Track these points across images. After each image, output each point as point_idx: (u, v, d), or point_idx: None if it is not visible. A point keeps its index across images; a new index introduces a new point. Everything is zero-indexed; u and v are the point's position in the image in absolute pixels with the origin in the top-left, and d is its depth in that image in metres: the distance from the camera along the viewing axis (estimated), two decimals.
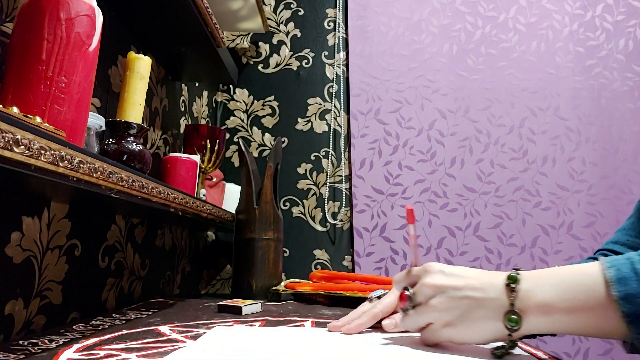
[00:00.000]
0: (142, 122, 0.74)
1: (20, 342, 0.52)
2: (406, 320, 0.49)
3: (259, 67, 1.65)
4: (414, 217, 0.53)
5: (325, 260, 1.51)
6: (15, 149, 0.39)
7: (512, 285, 0.43)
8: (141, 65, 0.74)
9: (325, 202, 1.54)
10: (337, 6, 1.65)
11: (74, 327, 0.62)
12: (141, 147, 0.73)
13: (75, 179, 0.48)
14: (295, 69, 1.63)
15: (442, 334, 0.46)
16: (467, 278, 0.46)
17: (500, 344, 0.45)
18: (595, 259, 0.75)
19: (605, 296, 0.40)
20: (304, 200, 1.56)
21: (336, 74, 1.61)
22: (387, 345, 0.52)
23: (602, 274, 0.40)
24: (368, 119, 1.55)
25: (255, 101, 1.63)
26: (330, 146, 1.57)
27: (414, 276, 0.50)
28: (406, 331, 0.60)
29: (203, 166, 1.13)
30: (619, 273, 0.39)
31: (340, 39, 1.64)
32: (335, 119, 1.59)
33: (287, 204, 1.55)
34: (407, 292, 0.49)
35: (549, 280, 0.43)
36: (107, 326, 0.63)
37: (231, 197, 1.33)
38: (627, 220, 0.74)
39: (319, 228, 1.54)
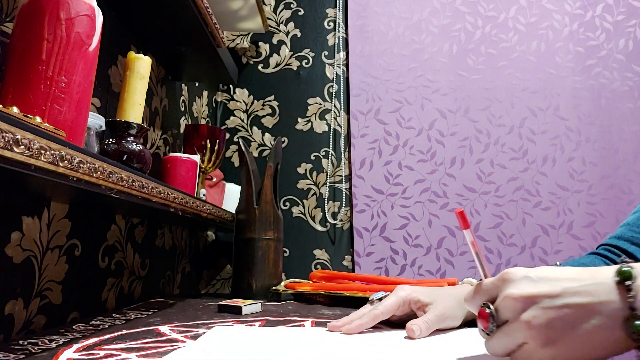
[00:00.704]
0: (142, 122, 0.74)
1: (20, 342, 0.52)
2: (492, 343, 0.39)
3: (259, 67, 1.65)
4: (467, 221, 0.43)
5: (325, 260, 1.51)
6: (15, 149, 0.39)
7: (628, 283, 0.34)
8: (141, 65, 0.74)
9: (325, 202, 1.54)
10: (337, 6, 1.65)
11: (74, 327, 0.62)
12: (141, 147, 0.73)
13: (75, 179, 0.48)
14: (295, 69, 1.63)
15: (543, 355, 0.36)
16: (563, 281, 0.37)
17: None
18: (598, 254, 0.75)
19: None
20: (304, 200, 1.56)
21: (336, 74, 1.61)
22: (387, 346, 0.52)
23: None
24: (368, 119, 1.55)
25: (255, 101, 1.63)
26: (330, 146, 1.57)
27: (490, 289, 0.41)
28: (401, 328, 0.60)
29: (203, 166, 1.13)
30: None
31: (340, 39, 1.64)
32: (335, 118, 1.59)
33: (287, 204, 1.55)
34: (487, 310, 0.39)
35: None
36: (107, 326, 0.63)
37: (231, 197, 1.33)
38: (632, 215, 0.73)
39: (319, 228, 1.54)
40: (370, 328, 0.60)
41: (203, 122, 1.50)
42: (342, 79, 1.61)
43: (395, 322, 0.63)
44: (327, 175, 1.56)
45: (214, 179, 1.26)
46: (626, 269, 0.35)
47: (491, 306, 0.39)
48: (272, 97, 1.62)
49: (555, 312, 0.36)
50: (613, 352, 0.35)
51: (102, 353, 0.45)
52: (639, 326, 0.33)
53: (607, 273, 0.36)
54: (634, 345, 0.34)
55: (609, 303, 0.35)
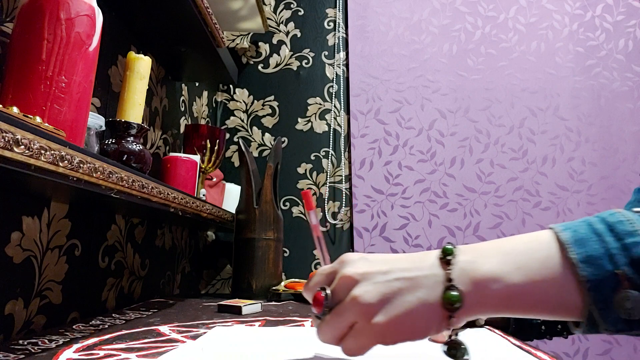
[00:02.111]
0: (142, 122, 0.74)
1: (20, 341, 0.52)
2: (323, 327, 0.38)
3: (259, 67, 1.65)
4: (312, 203, 0.44)
5: None
6: (15, 149, 0.39)
7: (449, 257, 0.36)
8: (141, 65, 0.74)
9: (325, 202, 1.54)
10: (337, 6, 1.65)
11: (74, 327, 0.62)
12: (141, 147, 0.73)
13: (75, 178, 0.48)
14: (295, 69, 1.63)
15: (370, 331, 0.35)
16: (395, 261, 0.38)
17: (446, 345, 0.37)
18: None
19: (562, 261, 0.33)
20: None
21: (336, 74, 1.62)
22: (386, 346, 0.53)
23: (555, 238, 0.34)
24: (368, 119, 1.55)
25: (255, 101, 1.63)
26: (330, 146, 1.57)
27: (329, 273, 0.40)
28: None
29: (203, 166, 1.13)
30: (576, 234, 0.34)
31: (340, 39, 1.64)
32: (335, 119, 1.59)
33: (287, 204, 1.55)
34: (323, 293, 0.38)
35: (495, 250, 0.36)
36: (107, 326, 0.63)
37: (231, 197, 1.33)
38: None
39: (319, 228, 1.54)
40: None
41: (203, 122, 1.50)
42: (342, 79, 1.61)
43: None
44: (327, 175, 1.56)
45: (214, 179, 1.26)
46: (449, 247, 0.36)
47: (327, 289, 0.38)
48: (272, 97, 1.62)
49: (384, 286, 0.36)
50: (433, 327, 0.35)
51: (102, 353, 0.45)
52: (452, 296, 0.34)
53: (434, 252, 0.37)
54: (447, 316, 0.34)
55: (432, 276, 0.35)
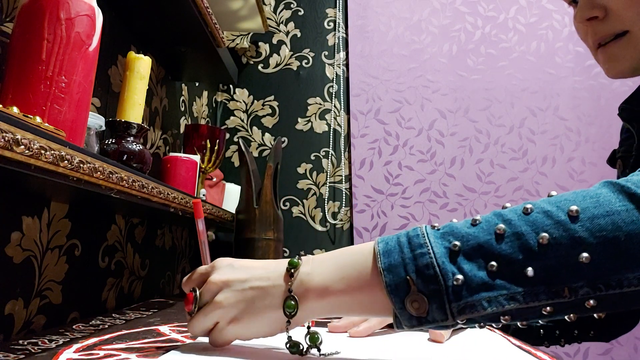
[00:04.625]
0: (142, 122, 0.74)
1: (20, 341, 0.52)
2: (192, 323, 0.45)
3: (259, 67, 1.65)
4: (201, 212, 0.51)
5: None
6: (15, 149, 0.39)
7: (292, 270, 0.42)
8: (141, 65, 0.74)
9: (325, 202, 1.54)
10: (337, 6, 1.65)
11: (74, 327, 0.62)
12: (141, 147, 0.73)
13: (75, 179, 0.48)
14: (295, 69, 1.63)
15: (228, 331, 0.43)
16: (254, 269, 0.44)
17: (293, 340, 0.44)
18: None
19: (373, 270, 0.39)
20: (304, 200, 1.56)
21: (336, 73, 1.62)
22: (387, 346, 0.53)
23: (372, 250, 0.40)
24: (368, 119, 1.55)
25: (255, 101, 1.63)
26: (330, 146, 1.57)
27: (202, 274, 0.46)
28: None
29: (203, 166, 1.13)
30: (386, 246, 0.39)
31: (340, 39, 1.64)
32: (335, 119, 1.59)
33: (287, 204, 1.55)
34: (194, 294, 0.45)
35: (329, 262, 0.42)
36: (107, 326, 0.63)
37: (231, 197, 1.33)
38: None
39: (319, 228, 1.54)
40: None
41: (203, 122, 1.50)
42: (342, 79, 1.61)
43: None
44: (327, 175, 1.56)
45: (214, 179, 1.26)
46: (296, 260, 0.43)
47: (197, 290, 0.45)
48: (272, 97, 1.62)
49: (241, 294, 0.43)
50: (277, 329, 0.43)
51: (102, 353, 0.45)
52: (290, 305, 0.41)
53: (285, 262, 0.44)
54: (286, 320, 0.42)
55: (278, 286, 0.42)
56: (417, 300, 0.37)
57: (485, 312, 0.36)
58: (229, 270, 0.45)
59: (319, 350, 0.44)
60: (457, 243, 0.37)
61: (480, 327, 0.39)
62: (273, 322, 0.43)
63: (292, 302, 0.41)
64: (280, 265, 0.44)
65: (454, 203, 1.48)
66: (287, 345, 0.44)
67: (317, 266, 0.42)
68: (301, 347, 0.44)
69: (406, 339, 0.56)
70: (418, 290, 0.37)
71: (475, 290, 0.36)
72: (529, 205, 0.38)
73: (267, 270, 0.44)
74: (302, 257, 0.44)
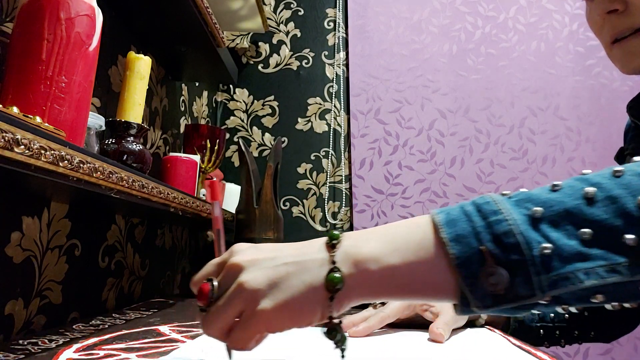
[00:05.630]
0: (142, 122, 0.74)
1: (20, 341, 0.52)
2: (208, 319, 0.36)
3: (259, 67, 1.65)
4: (219, 194, 0.43)
5: None
6: (15, 149, 0.39)
7: (334, 242, 0.36)
8: (141, 65, 0.74)
9: (325, 202, 1.54)
10: (337, 6, 1.65)
11: (74, 327, 0.62)
12: (141, 147, 0.73)
13: (75, 179, 0.48)
14: (295, 68, 1.63)
15: (258, 319, 0.34)
16: (283, 247, 0.38)
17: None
18: None
19: (435, 242, 0.34)
20: (304, 200, 1.55)
21: (336, 73, 1.62)
22: (387, 346, 0.53)
23: (431, 220, 0.35)
24: (368, 119, 1.55)
25: (255, 101, 1.63)
26: (330, 146, 1.57)
27: (218, 264, 0.39)
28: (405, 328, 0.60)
29: (203, 166, 1.13)
30: (449, 216, 0.35)
31: (340, 39, 1.64)
32: (335, 118, 1.59)
33: (287, 204, 1.55)
34: (210, 283, 0.36)
35: (377, 234, 0.36)
36: (107, 326, 0.63)
37: (231, 197, 1.33)
38: None
39: (319, 228, 1.54)
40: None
41: (203, 122, 1.50)
42: (342, 79, 1.61)
43: (397, 324, 0.63)
44: (327, 175, 1.56)
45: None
46: (335, 232, 0.37)
47: (214, 280, 0.37)
48: (272, 97, 1.62)
49: (271, 271, 0.35)
50: (318, 311, 0.35)
51: (102, 353, 0.45)
52: (334, 277, 0.34)
53: (322, 239, 0.37)
54: (329, 297, 0.34)
55: (317, 259, 0.35)
56: (494, 273, 0.32)
57: (582, 285, 0.31)
58: (252, 250, 0.38)
59: (342, 353, 0.36)
60: (539, 209, 0.33)
61: (563, 309, 0.34)
62: (314, 303, 0.35)
63: (337, 275, 0.34)
64: (315, 241, 0.38)
65: (454, 203, 1.47)
66: (325, 330, 0.36)
67: (362, 239, 0.36)
68: (340, 336, 0.36)
69: (406, 339, 0.56)
70: (496, 262, 0.32)
71: (568, 260, 0.31)
72: (618, 168, 0.33)
73: (300, 248, 0.37)
74: (342, 232, 0.38)
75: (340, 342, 0.36)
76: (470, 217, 0.34)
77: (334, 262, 0.35)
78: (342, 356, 0.36)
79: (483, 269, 0.32)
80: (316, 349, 0.50)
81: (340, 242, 0.36)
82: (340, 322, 0.36)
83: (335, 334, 0.35)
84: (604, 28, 0.58)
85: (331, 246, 0.36)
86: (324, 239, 0.37)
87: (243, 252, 0.37)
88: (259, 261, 0.36)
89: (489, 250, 0.32)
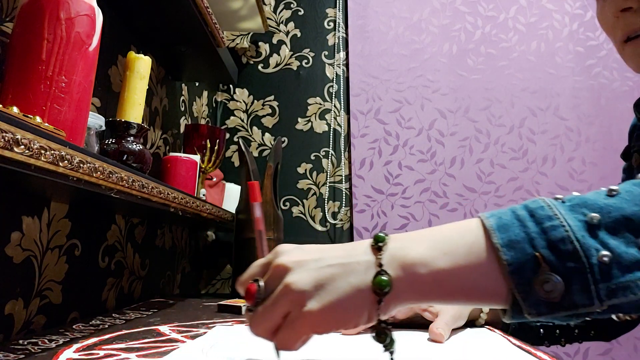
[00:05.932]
0: (142, 122, 0.74)
1: (20, 341, 0.52)
2: (255, 319, 0.37)
3: (259, 67, 1.65)
4: (259, 195, 0.43)
5: None
6: (15, 149, 0.39)
7: (380, 244, 0.36)
8: (141, 65, 0.74)
9: (325, 202, 1.54)
10: (337, 6, 1.65)
11: (74, 326, 0.62)
12: (141, 147, 0.73)
13: (75, 178, 0.48)
14: (295, 68, 1.63)
15: (304, 320, 0.35)
16: (330, 249, 0.38)
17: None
18: None
19: (487, 247, 0.34)
20: (304, 200, 1.55)
21: (336, 73, 1.61)
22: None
23: (481, 225, 0.35)
24: (368, 119, 1.55)
25: (255, 101, 1.63)
26: (330, 146, 1.57)
27: (263, 265, 0.39)
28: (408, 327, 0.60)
29: (203, 166, 1.13)
30: (500, 221, 0.34)
31: (340, 39, 1.64)
32: (335, 118, 1.59)
33: (287, 204, 1.55)
34: (256, 284, 0.37)
35: (425, 237, 0.36)
36: (107, 326, 0.63)
37: (231, 197, 1.33)
38: None
39: (319, 228, 1.54)
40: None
41: (203, 122, 1.50)
42: (342, 79, 1.61)
43: (397, 324, 0.63)
44: (327, 175, 1.56)
45: (214, 179, 1.26)
46: (381, 234, 0.36)
47: (261, 280, 0.37)
48: (272, 97, 1.62)
49: (317, 272, 0.35)
50: (364, 313, 0.35)
51: (102, 353, 0.45)
52: (382, 280, 0.34)
53: (367, 240, 0.37)
54: (377, 299, 0.34)
55: (363, 262, 0.35)
56: (548, 280, 0.31)
57: None
58: (297, 251, 0.38)
59: (392, 356, 0.36)
60: (596, 215, 0.32)
61: (619, 318, 0.34)
62: (360, 305, 0.34)
63: (385, 278, 0.34)
64: (360, 244, 0.37)
65: (454, 203, 1.48)
66: (374, 334, 0.36)
67: (409, 242, 0.36)
68: (390, 339, 0.36)
69: (406, 339, 0.56)
70: (551, 269, 0.31)
71: (628, 269, 0.31)
72: None
73: (345, 249, 0.37)
74: (388, 234, 0.37)
75: (389, 345, 0.36)
76: (524, 222, 0.33)
77: (380, 265, 0.35)
78: (392, 359, 0.36)
79: (537, 275, 0.32)
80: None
81: (387, 245, 0.36)
82: (390, 325, 0.35)
83: (385, 337, 0.35)
84: (616, 26, 0.57)
85: (377, 249, 0.36)
86: (370, 241, 0.37)
87: (289, 253, 0.38)
88: (304, 262, 0.36)
89: (544, 257, 0.32)
